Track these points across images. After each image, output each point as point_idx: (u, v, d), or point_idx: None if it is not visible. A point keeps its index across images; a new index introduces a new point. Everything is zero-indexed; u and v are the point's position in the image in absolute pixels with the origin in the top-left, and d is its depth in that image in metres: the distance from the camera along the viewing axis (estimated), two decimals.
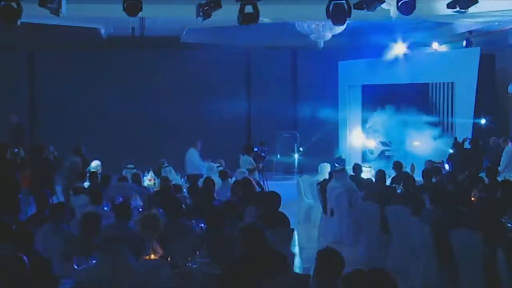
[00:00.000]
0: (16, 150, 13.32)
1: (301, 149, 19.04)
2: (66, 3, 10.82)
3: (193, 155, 15.14)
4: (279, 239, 7.21)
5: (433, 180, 11.59)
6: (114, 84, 19.58)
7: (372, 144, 19.95)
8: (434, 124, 20.62)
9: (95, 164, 13.61)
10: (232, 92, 20.08)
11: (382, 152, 19.78)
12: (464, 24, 17.44)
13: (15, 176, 11.92)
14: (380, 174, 11.50)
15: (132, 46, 19.25)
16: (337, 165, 14.84)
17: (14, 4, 10.22)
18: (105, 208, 9.03)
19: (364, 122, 20.70)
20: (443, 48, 20.11)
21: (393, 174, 12.73)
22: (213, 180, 10.59)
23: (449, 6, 11.31)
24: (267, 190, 12.51)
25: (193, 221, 7.87)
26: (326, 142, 19.37)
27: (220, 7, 10.90)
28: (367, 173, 14.31)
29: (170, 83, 19.86)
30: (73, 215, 8.79)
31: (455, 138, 16.90)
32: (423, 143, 19.33)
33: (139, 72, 19.66)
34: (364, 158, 19.79)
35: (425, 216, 8.22)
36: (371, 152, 19.92)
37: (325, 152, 18.69)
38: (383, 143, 19.93)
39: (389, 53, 20.08)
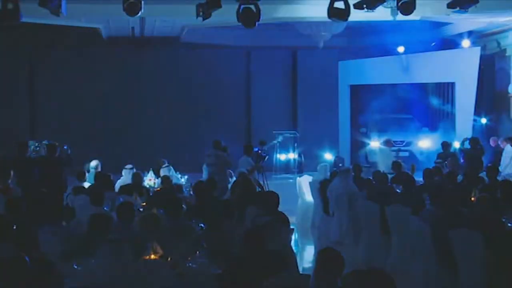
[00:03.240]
0: (38, 148, 13.34)
1: (298, 152, 19.03)
2: (66, 3, 10.83)
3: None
4: (279, 239, 7.20)
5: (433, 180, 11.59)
6: (114, 84, 19.58)
7: (376, 144, 19.90)
8: (434, 124, 20.64)
9: (94, 163, 13.58)
10: (232, 92, 20.08)
11: None
12: (464, 24, 17.47)
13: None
14: (378, 175, 11.52)
15: (132, 46, 19.27)
16: (340, 164, 14.81)
17: (13, 5, 10.24)
18: (105, 208, 9.01)
19: (364, 122, 20.72)
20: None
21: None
22: (214, 180, 10.59)
23: (449, 6, 11.31)
24: (267, 190, 12.49)
25: (193, 221, 7.86)
26: (326, 142, 19.36)
27: (220, 7, 10.91)
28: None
29: (170, 83, 19.86)
30: (73, 215, 8.77)
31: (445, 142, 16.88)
32: (422, 143, 19.34)
33: (139, 72, 19.66)
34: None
35: (425, 216, 8.21)
36: (375, 152, 19.85)
37: (325, 152, 18.72)
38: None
39: (389, 53, 20.09)
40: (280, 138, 18.93)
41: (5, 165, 11.89)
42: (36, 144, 13.94)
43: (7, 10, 10.25)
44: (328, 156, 18.27)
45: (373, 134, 20.11)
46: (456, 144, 16.99)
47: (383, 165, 15.01)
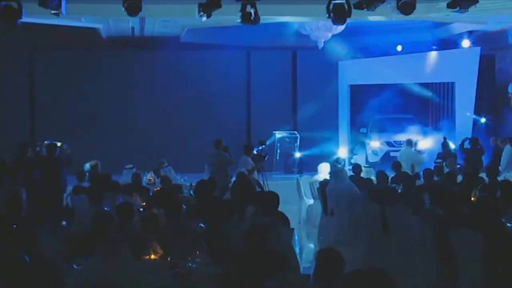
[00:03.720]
0: (38, 149, 13.36)
1: (298, 152, 19.04)
2: (66, 3, 10.82)
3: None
4: (279, 239, 7.19)
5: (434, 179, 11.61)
6: (114, 84, 19.58)
7: (377, 144, 19.87)
8: (434, 124, 20.63)
9: (94, 163, 13.58)
10: (232, 92, 20.07)
11: (387, 152, 19.67)
12: (464, 24, 17.46)
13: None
14: (381, 175, 11.52)
15: (132, 46, 19.26)
16: (337, 165, 14.79)
17: (14, 4, 10.24)
18: (105, 208, 9.01)
19: (364, 122, 20.70)
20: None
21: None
22: (215, 179, 10.60)
23: (449, 6, 11.30)
24: (267, 190, 12.48)
25: (193, 221, 7.86)
26: (326, 142, 19.37)
27: (220, 6, 10.90)
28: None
29: (170, 83, 19.86)
30: (73, 215, 8.77)
31: (444, 138, 16.90)
32: (423, 143, 19.31)
33: (139, 72, 19.66)
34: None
35: (425, 216, 8.21)
36: (375, 153, 19.85)
37: (325, 152, 18.70)
38: (388, 144, 19.85)
39: (389, 53, 20.07)
40: (275, 137, 18.96)
41: (13, 169, 11.95)
42: (38, 143, 13.96)
43: (9, 9, 10.24)
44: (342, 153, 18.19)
45: (373, 134, 20.10)
46: (452, 145, 17.00)
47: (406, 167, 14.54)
